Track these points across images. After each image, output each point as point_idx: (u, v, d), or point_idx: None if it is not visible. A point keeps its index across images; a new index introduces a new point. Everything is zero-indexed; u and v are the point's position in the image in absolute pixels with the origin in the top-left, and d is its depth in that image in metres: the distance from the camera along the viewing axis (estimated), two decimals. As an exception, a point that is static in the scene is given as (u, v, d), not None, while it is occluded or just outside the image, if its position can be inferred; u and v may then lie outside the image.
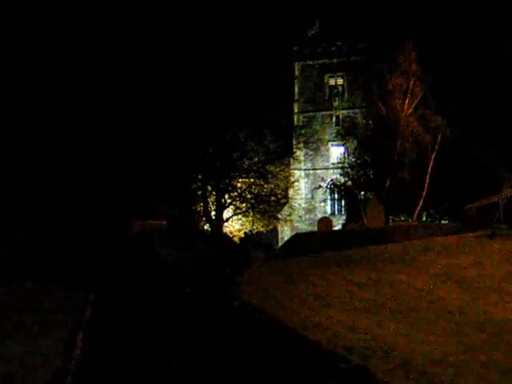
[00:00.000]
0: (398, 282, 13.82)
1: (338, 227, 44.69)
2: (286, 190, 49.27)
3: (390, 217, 36.48)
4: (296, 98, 56.82)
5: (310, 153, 54.89)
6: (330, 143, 54.76)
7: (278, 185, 47.34)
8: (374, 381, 6.87)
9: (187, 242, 33.55)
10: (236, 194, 43.85)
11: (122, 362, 8.59)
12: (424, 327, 9.32)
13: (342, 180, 42.83)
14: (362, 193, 40.06)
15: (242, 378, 7.45)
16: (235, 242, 38.57)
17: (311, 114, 56.35)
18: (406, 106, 37.48)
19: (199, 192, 43.01)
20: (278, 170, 47.60)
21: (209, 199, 43.03)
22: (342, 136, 45.19)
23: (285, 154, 50.71)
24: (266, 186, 45.28)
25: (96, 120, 33.17)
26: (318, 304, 12.36)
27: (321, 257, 21.60)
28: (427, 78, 36.42)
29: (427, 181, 36.30)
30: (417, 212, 36.56)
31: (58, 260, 23.34)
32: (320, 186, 48.38)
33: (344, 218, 48.75)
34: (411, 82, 37.26)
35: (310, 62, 57.04)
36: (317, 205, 53.73)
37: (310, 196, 54.68)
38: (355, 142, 42.30)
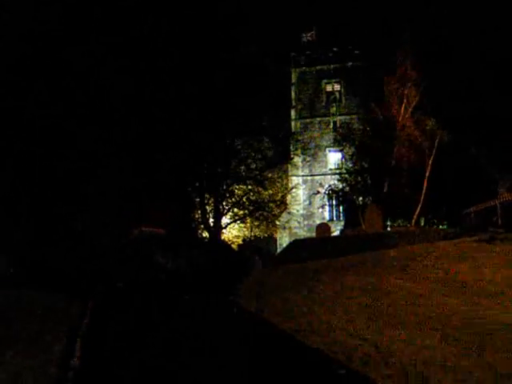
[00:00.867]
0: (396, 287, 13.78)
1: (336, 233, 44.67)
2: (284, 197, 49.23)
3: (388, 222, 36.49)
4: (293, 104, 56.89)
5: (308, 159, 54.88)
6: (327, 149, 54.80)
7: (276, 191, 47.35)
8: (373, 387, 6.85)
9: (185, 249, 33.51)
10: (234, 200, 43.85)
11: (120, 370, 8.54)
12: (423, 333, 9.29)
13: (340, 186, 42.87)
14: (360, 198, 40.10)
15: (241, 386, 7.42)
16: (234, 249, 38.55)
17: (308, 120, 56.39)
18: (402, 111, 37.56)
19: (197, 199, 43.00)
20: (275, 176, 47.64)
21: (207, 206, 42.99)
22: (340, 142, 45.22)
23: (282, 161, 50.72)
24: (263, 192, 45.28)
25: (97, 125, 33.20)
26: (316, 310, 12.32)
27: (319, 263, 21.55)
28: (423, 82, 36.49)
29: (425, 185, 36.32)
30: (415, 217, 36.57)
31: (57, 265, 23.31)
32: (318, 192, 48.43)
33: (342, 223, 48.77)
34: (407, 87, 37.35)
35: (307, 69, 57.13)
36: (315, 211, 53.67)
37: (308, 202, 54.66)
38: (352, 147, 42.34)
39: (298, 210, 53.75)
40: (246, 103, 41.43)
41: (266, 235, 49.32)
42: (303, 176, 55.38)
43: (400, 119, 37.43)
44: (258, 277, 21.61)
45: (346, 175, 41.51)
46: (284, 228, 51.29)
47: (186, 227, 41.26)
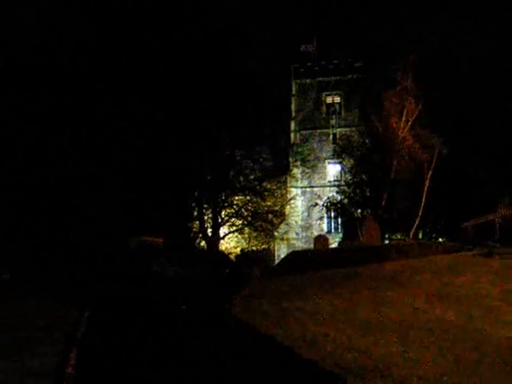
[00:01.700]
0: (393, 300, 13.77)
1: (334, 245, 44.55)
2: (282, 208, 49.19)
3: (387, 235, 36.44)
4: (293, 115, 56.93)
5: (307, 170, 54.81)
6: (326, 161, 54.78)
7: (274, 202, 47.32)
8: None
9: (183, 259, 33.53)
10: (232, 211, 43.85)
11: (115, 380, 8.52)
12: (420, 346, 9.28)
13: (339, 198, 42.84)
14: (359, 211, 40.05)
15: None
16: (231, 260, 38.51)
17: (308, 131, 56.40)
18: (402, 125, 37.56)
19: (196, 209, 43.01)
20: (274, 187, 47.61)
21: (205, 216, 42.99)
22: (339, 154, 45.19)
23: (281, 172, 50.74)
24: (262, 203, 45.27)
25: (95, 136, 33.32)
26: (313, 322, 12.29)
27: (317, 274, 21.52)
28: (423, 96, 36.55)
29: (424, 199, 36.28)
30: (413, 230, 36.52)
31: (55, 273, 23.31)
32: (316, 204, 48.31)
33: (340, 235, 48.65)
34: (407, 101, 37.39)
35: (308, 80, 57.24)
36: (313, 222, 53.55)
37: (306, 214, 54.56)
38: (352, 159, 42.34)
39: (296, 222, 53.63)
40: (246, 114, 41.55)
41: (263, 246, 49.21)
42: (302, 187, 55.32)
43: (400, 132, 37.43)
44: (255, 288, 21.56)
45: (345, 187, 41.47)
46: (282, 239, 51.16)
47: (185, 237, 41.25)
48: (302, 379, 8.18)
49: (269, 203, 46.19)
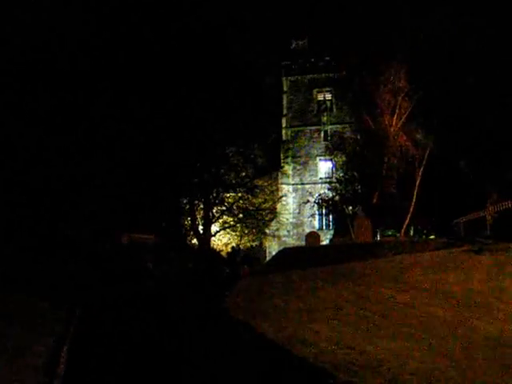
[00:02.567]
0: (385, 297, 13.78)
1: (325, 242, 44.62)
2: (273, 205, 49.22)
3: (378, 231, 36.48)
4: (284, 112, 56.82)
5: (298, 167, 54.88)
6: (318, 158, 54.78)
7: (265, 199, 47.34)
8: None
9: (175, 256, 33.51)
10: (224, 208, 43.83)
11: (105, 379, 8.48)
12: (411, 342, 9.29)
13: (330, 195, 42.80)
14: (350, 208, 40.04)
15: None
16: (222, 257, 38.49)
17: (299, 128, 56.37)
18: (394, 122, 37.59)
19: (187, 206, 42.97)
20: (265, 184, 47.66)
21: (196, 213, 42.96)
22: (331, 151, 45.19)
23: (273, 169, 50.79)
24: (253, 200, 45.28)
25: (88, 136, 33.26)
26: (304, 319, 12.29)
27: (308, 271, 21.53)
28: (415, 93, 36.59)
29: (415, 196, 36.37)
30: (404, 227, 36.58)
31: (46, 271, 23.20)
32: (308, 201, 48.29)
33: (332, 232, 48.70)
34: (399, 98, 37.42)
35: (299, 77, 57.17)
36: (305, 219, 53.59)
37: (297, 211, 54.58)
38: (343, 156, 42.31)
39: (287, 219, 53.67)
40: (237, 111, 41.53)
41: (255, 244, 49.24)
42: (293, 184, 55.33)
43: (391, 130, 37.47)
44: (246, 284, 21.57)
45: (337, 184, 41.44)
46: (273, 236, 51.19)
47: (176, 234, 41.22)
48: (293, 376, 8.17)
49: (260, 200, 46.21)
